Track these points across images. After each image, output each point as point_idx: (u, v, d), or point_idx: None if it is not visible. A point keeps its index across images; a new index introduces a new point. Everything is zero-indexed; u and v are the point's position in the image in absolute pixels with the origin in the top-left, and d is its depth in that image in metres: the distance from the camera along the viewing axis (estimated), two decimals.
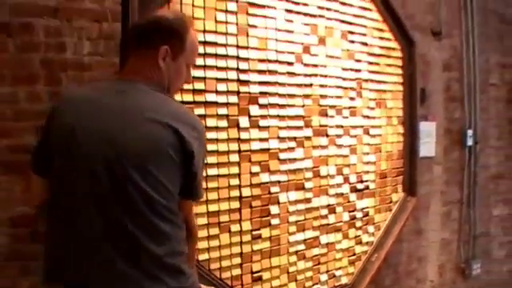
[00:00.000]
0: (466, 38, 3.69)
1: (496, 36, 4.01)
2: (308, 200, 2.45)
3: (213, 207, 2.05)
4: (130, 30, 1.52)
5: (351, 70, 2.66)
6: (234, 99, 2.12)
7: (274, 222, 2.31)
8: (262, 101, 2.22)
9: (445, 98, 3.52)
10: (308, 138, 2.43)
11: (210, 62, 2.03)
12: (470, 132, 3.63)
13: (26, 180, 1.84)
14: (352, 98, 2.67)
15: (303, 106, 2.40)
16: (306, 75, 2.40)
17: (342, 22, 2.58)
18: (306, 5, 2.38)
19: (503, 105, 4.06)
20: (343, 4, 2.57)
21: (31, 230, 1.87)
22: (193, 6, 1.96)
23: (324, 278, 2.57)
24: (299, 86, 2.37)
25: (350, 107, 2.66)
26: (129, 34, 1.48)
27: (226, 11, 2.07)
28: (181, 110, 1.40)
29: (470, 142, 3.64)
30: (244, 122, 2.15)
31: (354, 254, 2.78)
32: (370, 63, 2.76)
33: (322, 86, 2.47)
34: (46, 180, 1.39)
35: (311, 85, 2.43)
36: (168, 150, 1.26)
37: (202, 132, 1.38)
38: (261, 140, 2.21)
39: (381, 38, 2.86)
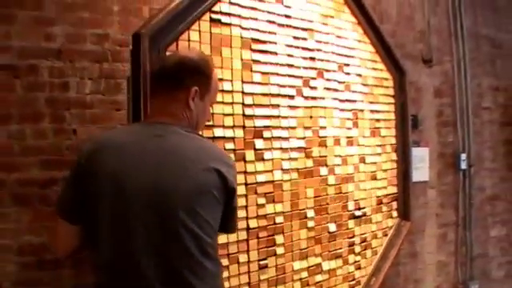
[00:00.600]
0: (457, 63, 3.90)
1: (488, 60, 4.23)
2: (310, 229, 2.59)
3: (222, 239, 2.15)
4: (156, 70, 1.55)
5: (347, 101, 2.82)
6: (240, 133, 2.21)
7: (280, 251, 2.43)
8: (266, 134, 2.33)
9: (437, 123, 3.72)
10: (309, 169, 2.58)
11: (218, 97, 2.09)
12: (463, 155, 3.83)
13: (33, 211, 2.08)
14: (349, 128, 2.83)
15: (304, 137, 2.54)
16: (306, 107, 2.54)
17: (339, 54, 2.74)
18: (305, 39, 2.52)
19: (497, 127, 4.27)
20: (339, 37, 2.73)
21: (38, 259, 2.09)
22: (200, 43, 2.06)
23: None
24: (300, 118, 2.51)
25: (347, 137, 2.82)
26: (155, 75, 1.55)
27: (231, 47, 2.18)
28: (217, 150, 1.54)
29: (463, 166, 3.82)
30: (250, 155, 2.25)
31: (354, 279, 2.93)
32: (365, 93, 2.93)
33: (321, 117, 2.63)
34: (75, 227, 1.44)
35: (311, 117, 2.58)
36: (213, 191, 1.39)
37: (235, 168, 1.53)
38: (266, 172, 2.33)
39: (374, 69, 3.03)
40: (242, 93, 2.22)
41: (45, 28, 2.10)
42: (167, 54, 1.83)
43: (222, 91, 2.13)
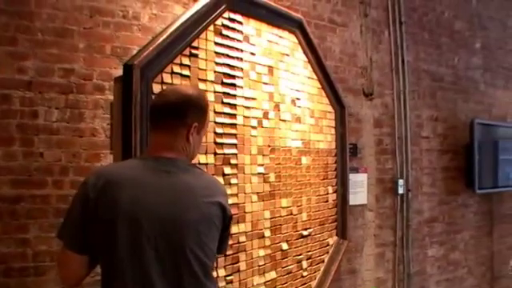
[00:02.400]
0: (397, 96, 4.42)
1: (429, 93, 4.78)
2: (267, 247, 2.91)
3: None
4: (159, 105, 1.61)
5: (297, 131, 3.18)
6: (211, 160, 2.48)
7: (242, 267, 2.73)
8: (232, 161, 2.61)
9: (376, 151, 4.22)
10: (266, 192, 2.92)
11: None
12: (401, 181, 4.33)
13: (2, 224, 2.45)
14: (299, 157, 3.22)
15: (263, 164, 2.87)
16: (264, 137, 2.88)
17: (292, 89, 3.10)
18: (266, 75, 2.88)
19: (436, 155, 4.80)
20: (293, 74, 3.10)
21: (6, 267, 2.46)
22: (181, 76, 2.29)
23: None
24: (260, 146, 2.84)
25: (298, 164, 3.18)
26: (157, 109, 1.62)
27: (206, 80, 2.44)
28: (215, 182, 1.73)
29: (401, 190, 4.33)
30: (219, 180, 2.47)
31: None
32: (312, 125, 3.32)
33: (276, 146, 2.98)
34: (84, 257, 1.52)
35: (269, 146, 2.92)
36: (215, 221, 1.59)
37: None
38: (232, 196, 2.63)
39: (320, 103, 3.41)
40: (215, 123, 2.47)
41: (18, 62, 2.51)
42: (165, 88, 2.05)
43: None
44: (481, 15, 5.47)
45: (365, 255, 4.11)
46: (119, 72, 2.73)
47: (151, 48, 2.09)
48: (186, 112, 1.60)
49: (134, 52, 2.77)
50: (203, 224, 1.55)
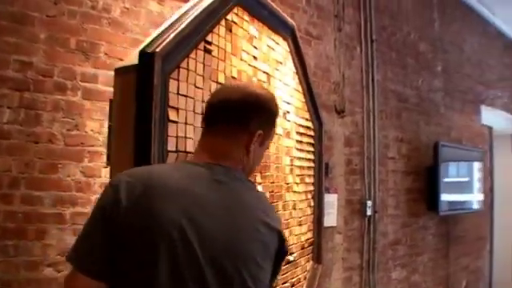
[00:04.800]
0: (367, 115, 4.19)
1: (395, 113, 4.58)
2: None
3: None
4: (215, 103, 1.30)
5: (287, 147, 2.88)
6: None
7: None
8: None
9: (346, 171, 3.95)
10: None
11: None
12: (369, 202, 4.08)
13: None
14: (287, 174, 2.90)
15: (260, 183, 2.53)
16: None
17: (283, 101, 2.77)
18: (265, 82, 2.53)
19: (400, 176, 4.60)
20: (285, 84, 2.78)
21: None
22: (195, 73, 1.93)
23: None
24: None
25: (286, 183, 2.86)
26: (213, 108, 1.31)
27: (217, 83, 2.08)
28: (271, 204, 1.43)
29: (369, 212, 4.07)
30: None
31: None
32: (297, 141, 3.01)
33: (271, 162, 2.64)
34: (100, 284, 1.14)
35: (265, 162, 2.57)
36: (272, 253, 1.26)
37: None
38: None
39: (302, 117, 3.11)
40: None
41: None
42: (225, 82, 1.67)
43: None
44: (443, 39, 5.38)
45: (333, 279, 3.80)
46: (84, 70, 2.31)
47: (172, 35, 1.66)
48: (250, 116, 1.27)
49: (102, 48, 2.39)
50: (261, 255, 1.21)
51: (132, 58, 1.72)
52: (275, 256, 1.27)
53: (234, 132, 1.27)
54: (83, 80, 2.29)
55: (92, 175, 2.31)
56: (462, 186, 5.23)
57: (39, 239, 2.12)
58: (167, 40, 1.64)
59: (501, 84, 6.54)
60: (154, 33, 1.81)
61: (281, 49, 2.64)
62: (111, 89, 2.38)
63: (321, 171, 3.35)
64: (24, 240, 2.07)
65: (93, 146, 2.31)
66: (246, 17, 2.26)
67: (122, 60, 2.42)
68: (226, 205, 1.20)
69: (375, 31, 4.31)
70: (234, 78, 2.15)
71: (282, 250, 1.29)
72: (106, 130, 2.36)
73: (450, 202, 4.98)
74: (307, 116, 3.19)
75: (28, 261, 2.08)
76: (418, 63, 4.96)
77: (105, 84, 2.36)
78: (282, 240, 1.28)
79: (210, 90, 1.94)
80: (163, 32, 1.69)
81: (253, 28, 2.33)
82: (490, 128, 6.21)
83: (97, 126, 2.33)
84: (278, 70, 2.61)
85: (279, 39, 2.59)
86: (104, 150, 2.35)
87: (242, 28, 2.22)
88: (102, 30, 2.36)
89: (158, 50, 1.59)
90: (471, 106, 5.85)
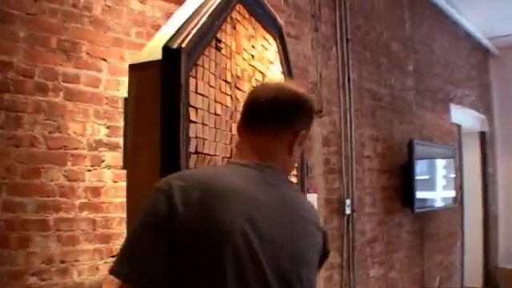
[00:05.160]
0: (344, 114, 4.20)
1: (370, 112, 4.61)
2: None
3: None
4: (260, 101, 1.25)
5: None
6: None
7: None
8: None
9: (325, 171, 3.95)
10: None
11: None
12: (348, 201, 4.08)
13: None
14: None
15: None
16: None
17: None
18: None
19: (376, 174, 4.63)
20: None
21: None
22: (209, 71, 1.88)
23: None
24: None
25: None
26: (258, 106, 1.26)
27: (226, 81, 2.04)
28: (313, 205, 1.38)
29: (348, 211, 4.07)
30: None
31: None
32: None
33: None
34: None
35: None
36: (318, 255, 1.26)
37: None
38: None
39: None
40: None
41: None
42: (266, 81, 1.59)
43: None
44: (413, 39, 5.45)
45: None
46: (65, 70, 2.22)
47: (195, 31, 1.59)
48: (296, 116, 1.25)
49: (84, 48, 2.30)
50: (312, 257, 1.21)
51: (145, 54, 1.65)
52: (322, 255, 1.28)
53: (280, 132, 1.25)
54: (65, 80, 2.21)
55: (76, 179, 2.22)
56: (435, 184, 5.30)
57: (23, 247, 2.02)
58: (190, 36, 1.58)
59: (468, 83, 6.68)
60: (166, 27, 1.74)
61: (272, 49, 2.61)
62: (94, 89, 2.32)
63: (303, 172, 3.32)
64: (7, 249, 1.96)
65: (76, 148, 2.23)
66: (246, 15, 2.22)
67: (104, 60, 2.35)
68: (281, 208, 1.18)
69: (350, 31, 4.32)
70: (238, 77, 2.10)
71: (325, 251, 1.30)
72: (89, 132, 2.28)
73: (424, 200, 5.04)
74: None
75: (11, 270, 1.98)
76: (390, 62, 5.00)
77: (87, 84, 2.28)
78: (325, 240, 1.29)
79: (220, 89, 1.87)
80: (182, 28, 1.62)
81: (251, 27, 2.29)
82: (459, 126, 6.34)
83: (79, 127, 2.25)
84: (269, 70, 2.58)
85: (270, 38, 2.55)
86: (87, 152, 2.27)
87: (243, 26, 2.18)
88: (83, 29, 2.28)
89: (183, 45, 1.52)
90: (441, 105, 5.96)
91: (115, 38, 2.41)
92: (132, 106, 1.62)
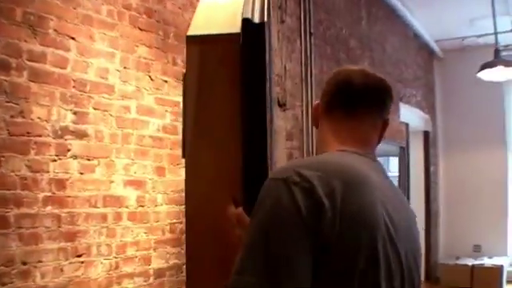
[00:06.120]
0: (305, 108, 4.10)
1: None
2: None
3: None
4: (359, 85, 1.15)
5: None
6: None
7: None
8: None
9: None
10: None
11: None
12: None
13: None
14: None
15: None
16: None
17: None
18: None
19: None
20: None
21: None
22: None
23: None
24: None
25: None
26: (356, 91, 1.16)
27: None
28: None
29: None
30: None
31: None
32: None
33: None
34: None
35: None
36: None
37: None
38: None
39: None
40: None
41: None
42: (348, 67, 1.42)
43: None
44: (369, 36, 5.46)
45: None
46: (31, 47, 1.97)
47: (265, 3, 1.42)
48: (387, 102, 1.19)
49: (51, 24, 2.06)
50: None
51: (200, 26, 1.42)
52: None
53: (374, 118, 1.17)
54: (30, 59, 1.96)
55: (39, 170, 1.98)
56: None
57: None
58: (264, 10, 1.41)
59: (415, 83, 6.80)
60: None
61: None
62: (61, 70, 2.08)
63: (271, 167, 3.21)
64: None
65: (40, 135, 1.99)
66: None
67: (73, 38, 2.12)
68: (396, 197, 1.10)
69: (313, 25, 4.24)
70: None
71: None
72: (54, 117, 2.04)
73: None
74: None
75: None
76: (348, 59, 4.97)
77: (54, 64, 2.04)
78: None
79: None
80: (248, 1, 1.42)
81: None
82: (407, 125, 6.44)
83: (45, 112, 2.01)
84: None
85: None
86: (52, 140, 2.04)
87: None
88: (51, 3, 2.04)
89: (266, 19, 1.36)
90: (392, 104, 6.01)
91: (85, 16, 2.18)
92: (195, 83, 1.40)
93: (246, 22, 1.34)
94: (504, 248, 6.84)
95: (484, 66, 5.43)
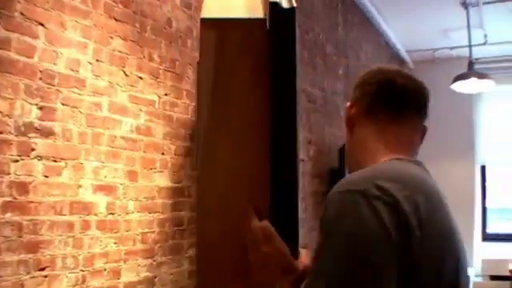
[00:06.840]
0: None
1: (305, 114, 4.40)
2: None
3: None
4: (410, 88, 1.11)
5: None
6: None
7: None
8: None
9: None
10: None
11: None
12: None
13: None
14: None
15: None
16: None
17: None
18: None
19: (308, 179, 4.44)
20: None
21: None
22: None
23: None
24: None
25: None
26: (407, 94, 1.11)
27: None
28: None
29: None
30: None
31: None
32: None
33: None
34: None
35: None
36: None
37: None
38: None
39: None
40: None
41: None
42: (384, 67, 1.27)
43: None
44: (345, 43, 5.37)
45: None
46: None
47: None
48: (427, 106, 1.11)
49: (18, 6, 1.82)
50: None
51: (214, 8, 1.23)
52: None
53: (416, 123, 1.11)
54: None
55: None
56: None
57: None
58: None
59: None
60: None
61: None
62: (27, 59, 1.84)
63: None
64: None
65: (1, 132, 1.75)
66: None
67: (41, 24, 1.89)
68: (446, 207, 1.02)
69: None
70: None
71: None
72: (17, 112, 1.80)
73: None
74: None
75: None
76: (325, 65, 4.86)
77: (19, 52, 1.80)
78: None
79: None
80: None
81: None
82: None
83: (6, 106, 1.76)
84: None
85: None
86: (14, 138, 1.79)
87: None
88: None
89: (295, 4, 1.19)
90: None
91: (56, 0, 1.95)
92: (211, 71, 1.20)
93: (274, 6, 1.17)
94: (470, 259, 6.86)
95: (457, 78, 5.42)
